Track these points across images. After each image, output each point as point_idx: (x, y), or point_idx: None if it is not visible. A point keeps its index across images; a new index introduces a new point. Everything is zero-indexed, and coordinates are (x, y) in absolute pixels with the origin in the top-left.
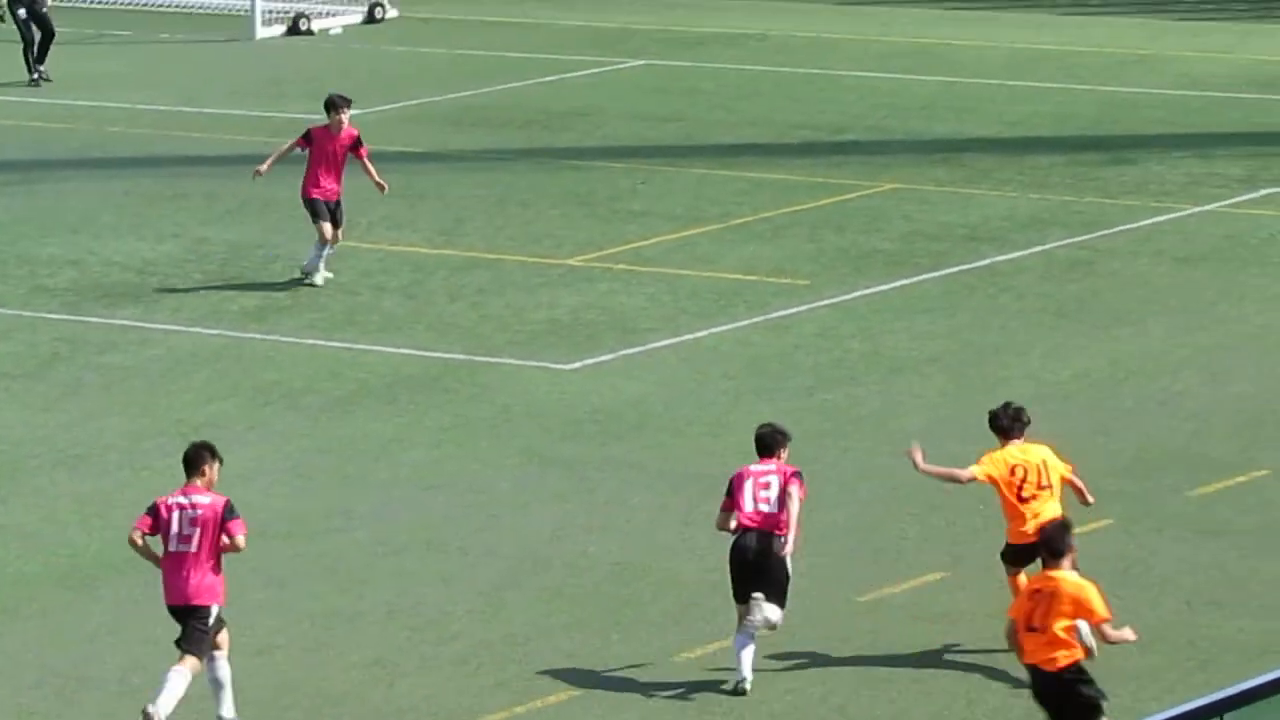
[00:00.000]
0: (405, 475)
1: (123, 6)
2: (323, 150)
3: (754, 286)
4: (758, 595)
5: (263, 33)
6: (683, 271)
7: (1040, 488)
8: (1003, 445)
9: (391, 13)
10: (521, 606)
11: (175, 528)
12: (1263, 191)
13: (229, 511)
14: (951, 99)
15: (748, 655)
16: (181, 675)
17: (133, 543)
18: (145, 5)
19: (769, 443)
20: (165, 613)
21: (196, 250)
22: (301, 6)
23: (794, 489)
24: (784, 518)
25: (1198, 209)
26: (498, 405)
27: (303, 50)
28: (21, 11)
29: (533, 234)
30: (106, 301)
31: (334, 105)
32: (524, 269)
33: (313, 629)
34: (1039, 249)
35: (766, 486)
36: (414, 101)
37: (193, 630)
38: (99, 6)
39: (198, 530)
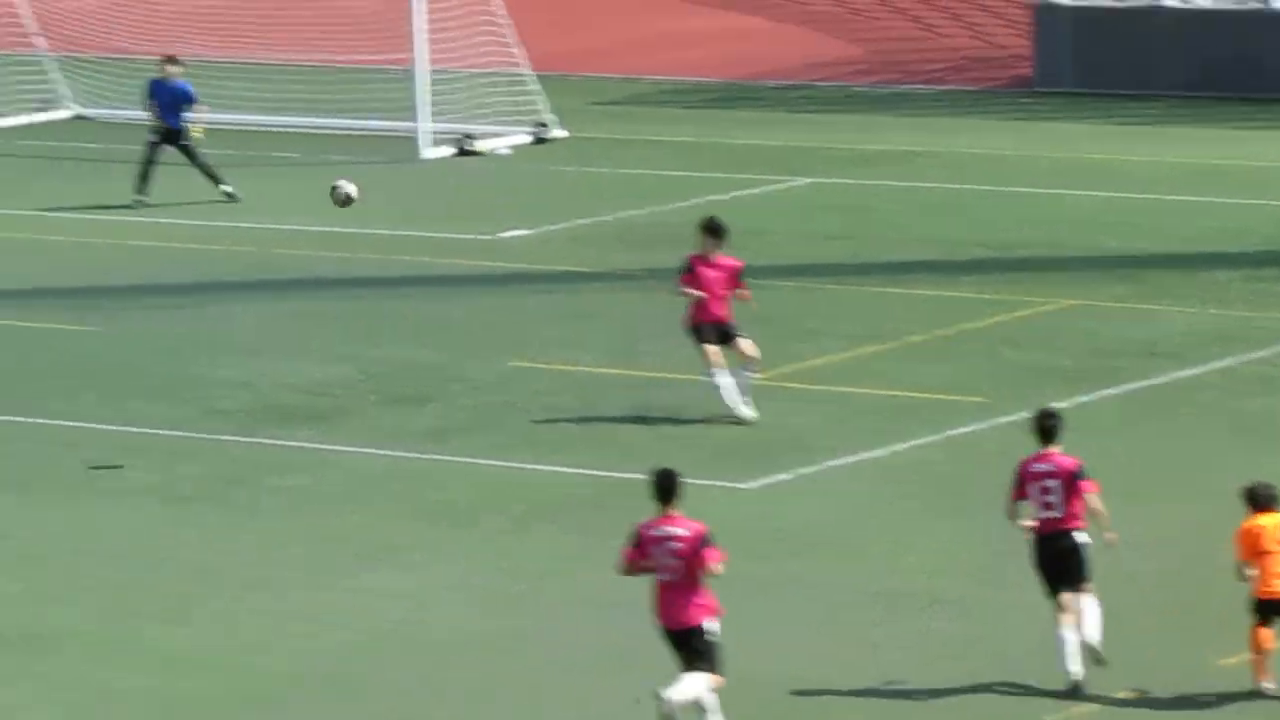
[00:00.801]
0: (584, 594)
1: (289, 129)
2: (706, 277)
3: (930, 404)
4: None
5: (429, 153)
6: (857, 390)
7: None
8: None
9: (560, 133)
10: None
11: (657, 559)
12: None
13: (703, 542)
14: (1125, 214)
15: (1072, 648)
16: (697, 685)
17: (621, 571)
18: (312, 128)
19: (1051, 432)
20: None
21: (369, 371)
22: (469, 128)
23: (1091, 498)
24: (1078, 511)
25: None
26: None
27: (470, 171)
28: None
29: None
30: (281, 423)
31: (713, 231)
32: (699, 388)
33: None
34: (1219, 364)
35: (1048, 491)
36: (582, 221)
37: (700, 650)
38: (264, 130)
39: (679, 561)
